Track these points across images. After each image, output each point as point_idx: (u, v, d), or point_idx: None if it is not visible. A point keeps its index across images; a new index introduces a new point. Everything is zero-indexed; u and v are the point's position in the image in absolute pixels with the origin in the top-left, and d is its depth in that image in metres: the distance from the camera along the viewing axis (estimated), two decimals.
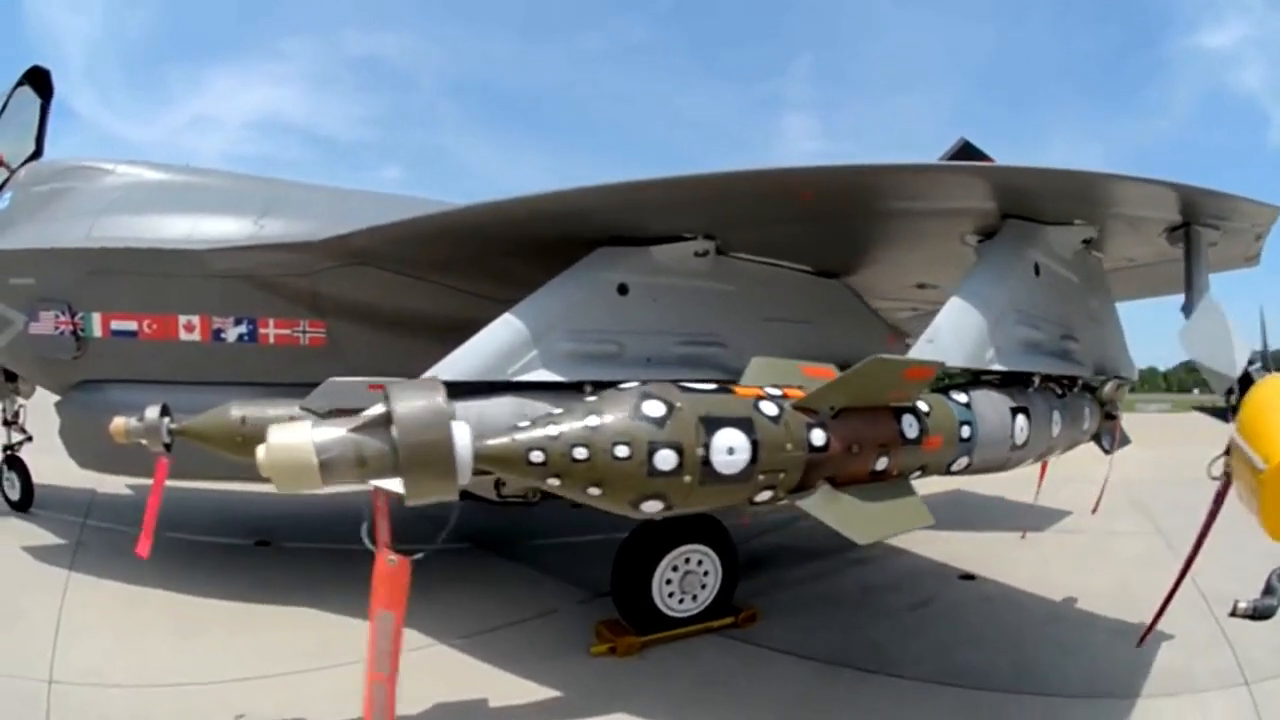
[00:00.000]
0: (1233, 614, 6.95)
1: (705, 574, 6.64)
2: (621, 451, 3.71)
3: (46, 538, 8.82)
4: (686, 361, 5.77)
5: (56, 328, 6.95)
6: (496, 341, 4.93)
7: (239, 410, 4.88)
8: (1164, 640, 6.36)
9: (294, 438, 3.23)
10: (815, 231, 6.01)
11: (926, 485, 4.97)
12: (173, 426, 4.94)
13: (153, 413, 4.98)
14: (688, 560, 6.55)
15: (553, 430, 3.72)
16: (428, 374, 4.41)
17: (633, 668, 5.94)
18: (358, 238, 6.10)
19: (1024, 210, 5.27)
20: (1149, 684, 5.70)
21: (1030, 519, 10.60)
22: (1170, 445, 15.11)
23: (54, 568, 7.73)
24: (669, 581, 6.45)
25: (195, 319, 6.80)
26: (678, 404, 3.89)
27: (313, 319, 7.09)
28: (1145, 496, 13.02)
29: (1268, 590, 7.19)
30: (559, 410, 3.96)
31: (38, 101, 8.19)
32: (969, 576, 8.61)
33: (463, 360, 4.77)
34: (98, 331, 6.94)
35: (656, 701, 5.28)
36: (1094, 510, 9.69)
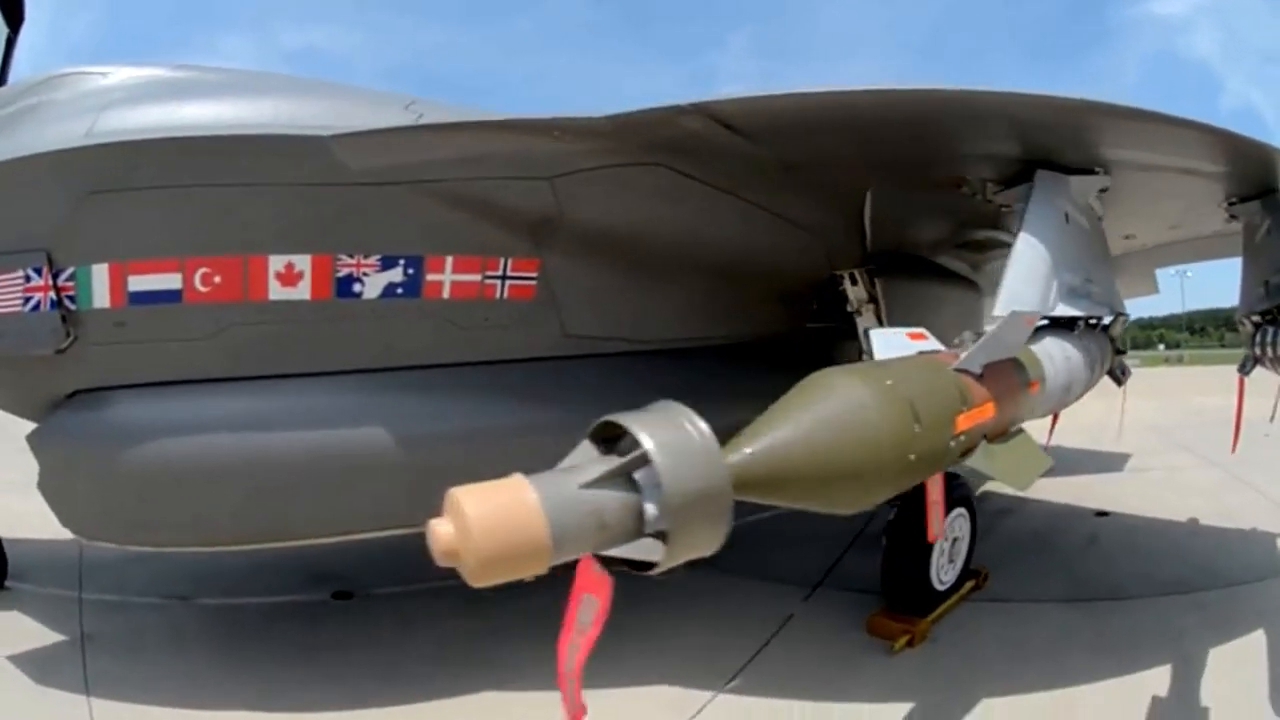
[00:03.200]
0: None
1: (962, 540, 6.44)
2: None
3: (35, 632, 5.99)
4: (1083, 295, 5.39)
5: (24, 299, 4.32)
6: (1038, 278, 4.52)
7: None
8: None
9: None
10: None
11: None
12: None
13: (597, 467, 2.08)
14: (957, 527, 6.31)
15: None
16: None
17: (938, 653, 5.68)
18: (724, 108, 4.32)
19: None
20: None
21: (1093, 463, 12.32)
22: (1164, 397, 17.64)
23: (60, 692, 5.01)
24: (942, 553, 6.15)
25: (302, 260, 4.46)
26: None
27: (521, 256, 5.09)
28: (1179, 438, 15.37)
29: None
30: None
31: (4, 31, 6.32)
32: (1103, 513, 9.63)
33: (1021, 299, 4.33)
34: (103, 298, 4.35)
35: (991, 679, 5.18)
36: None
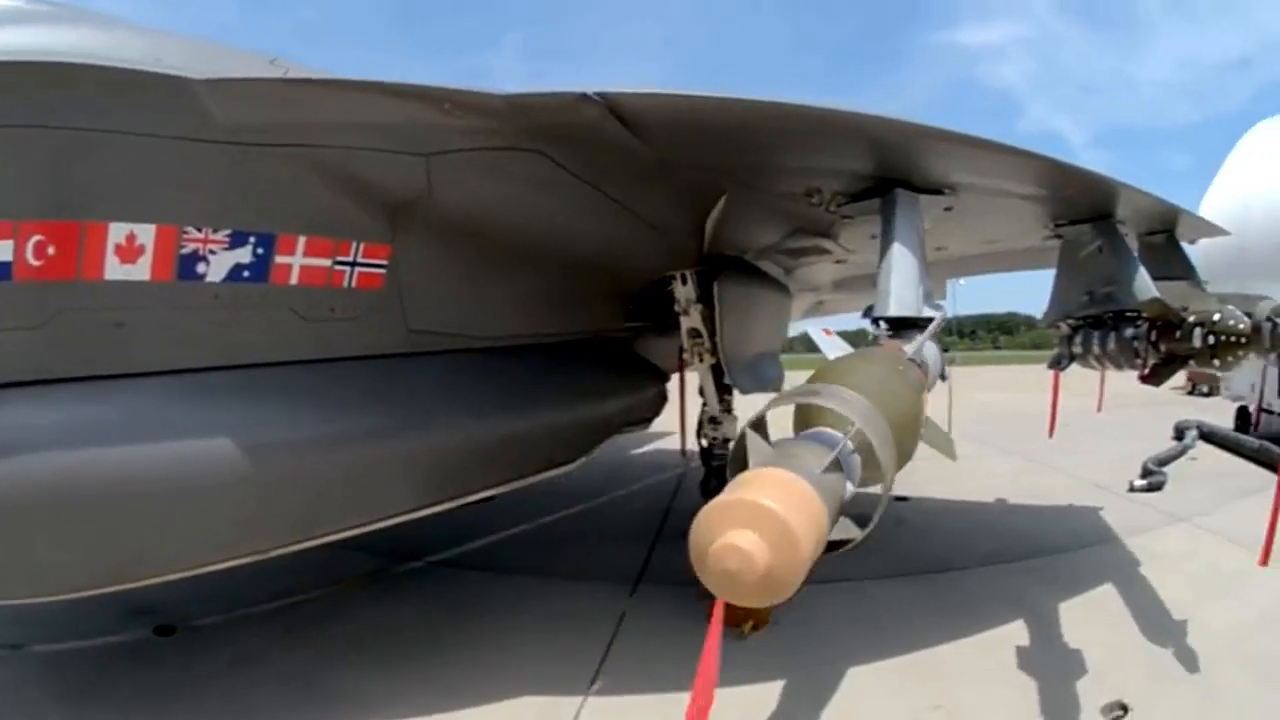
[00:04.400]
0: (1132, 490, 10.64)
1: None
2: None
3: None
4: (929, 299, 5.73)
5: None
6: (914, 283, 4.92)
7: None
8: (1098, 510, 9.81)
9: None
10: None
11: None
12: None
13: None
14: None
15: None
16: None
17: (787, 634, 6.05)
18: (625, 101, 4.15)
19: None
20: (1116, 531, 8.86)
21: None
22: (946, 394, 19.92)
23: None
24: None
25: (146, 231, 3.63)
26: None
27: (374, 241, 4.56)
28: (970, 431, 15.64)
29: (1146, 473, 11.22)
30: None
31: None
32: (903, 498, 10.40)
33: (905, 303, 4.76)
34: None
35: (849, 650, 5.66)
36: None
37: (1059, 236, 7.25)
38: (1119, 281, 6.17)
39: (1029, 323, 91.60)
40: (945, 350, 7.86)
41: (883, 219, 5.41)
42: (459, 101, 4.07)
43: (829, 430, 2.24)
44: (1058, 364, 7.95)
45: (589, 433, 6.79)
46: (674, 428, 9.71)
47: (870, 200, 5.66)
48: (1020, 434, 10.86)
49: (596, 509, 11.10)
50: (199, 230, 3.70)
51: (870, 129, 4.75)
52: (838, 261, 8.94)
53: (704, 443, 7.93)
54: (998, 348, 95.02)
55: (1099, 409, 10.64)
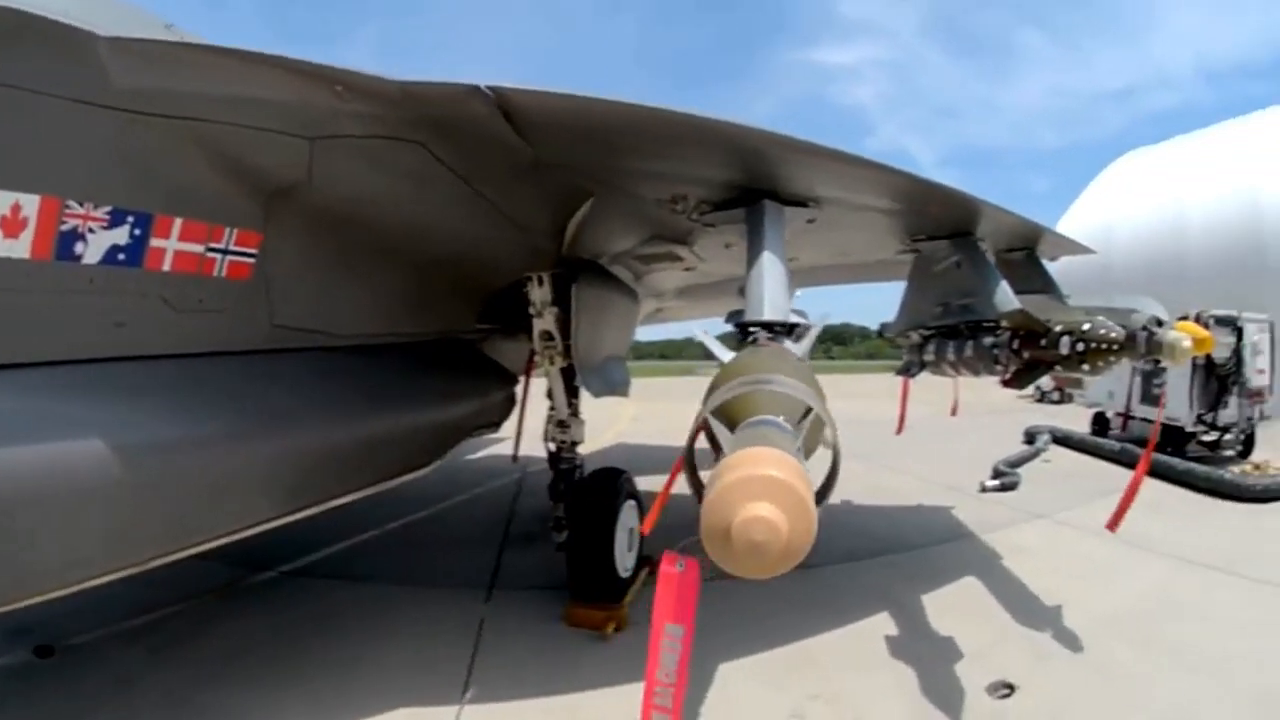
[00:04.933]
0: (984, 490, 11.98)
1: (635, 530, 7.63)
2: None
3: None
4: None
5: None
6: (784, 290, 5.42)
7: None
8: (951, 509, 11.11)
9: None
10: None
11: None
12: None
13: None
14: (630, 518, 7.51)
15: None
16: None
17: (646, 634, 6.75)
18: (516, 98, 4.46)
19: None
20: (972, 528, 10.13)
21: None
22: None
23: None
24: (622, 543, 7.24)
25: (30, 203, 3.48)
26: None
27: (247, 227, 4.58)
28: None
29: (997, 474, 12.65)
30: None
31: None
32: None
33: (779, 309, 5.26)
34: None
35: (720, 646, 6.19)
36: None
37: (915, 251, 8.16)
38: (978, 294, 7.08)
39: (863, 333, 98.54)
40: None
41: (749, 228, 5.97)
42: (352, 84, 4.25)
43: (775, 418, 2.78)
44: (907, 371, 8.92)
45: (444, 435, 7.18)
46: (507, 433, 10.03)
47: (735, 210, 6.24)
48: (867, 438, 12.05)
49: (440, 514, 11.51)
50: (81, 205, 3.62)
51: (746, 140, 5.27)
52: (687, 269, 9.61)
53: (552, 446, 8.31)
54: (831, 358, 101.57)
55: (954, 413, 11.84)
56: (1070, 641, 6.31)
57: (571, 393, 8.13)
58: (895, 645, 6.34)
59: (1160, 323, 5.94)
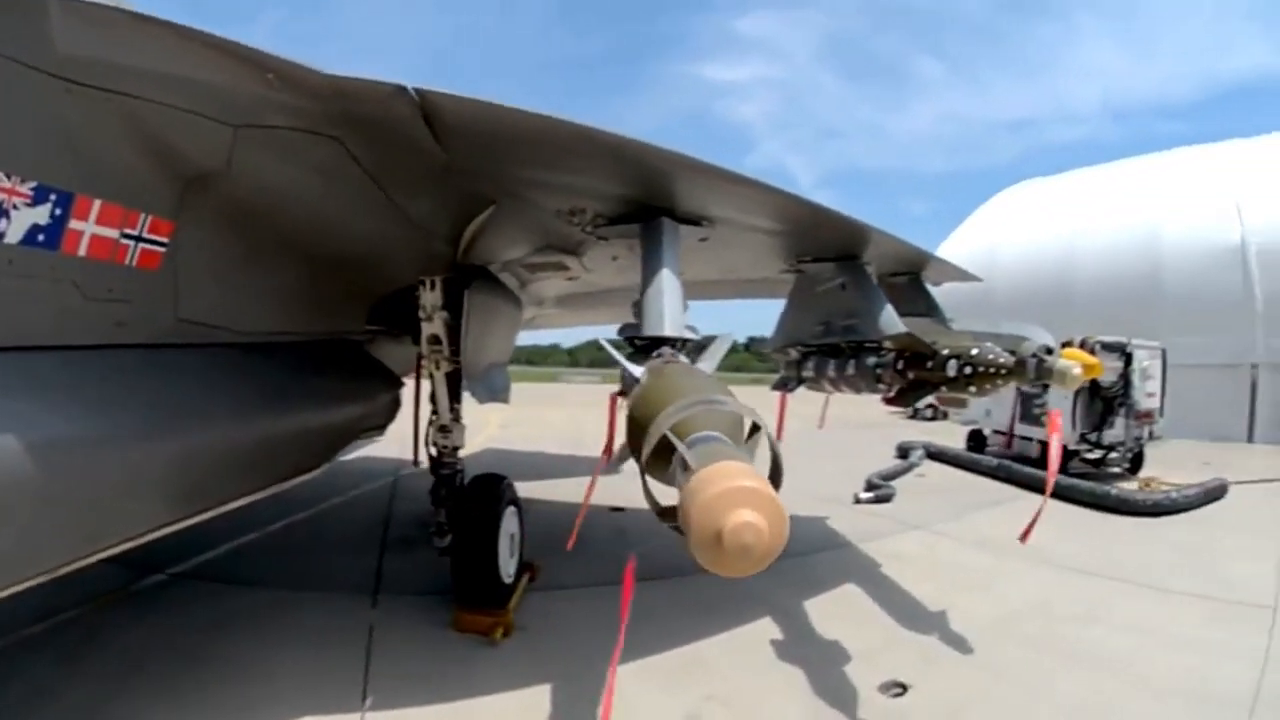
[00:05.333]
0: (858, 501, 13.01)
1: (517, 536, 8.23)
2: None
3: None
4: None
5: None
6: (680, 304, 6.04)
7: None
8: (826, 520, 12.00)
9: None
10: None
11: None
12: None
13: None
14: (512, 524, 8.04)
15: None
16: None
17: (540, 637, 7.16)
18: (439, 101, 4.76)
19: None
20: (849, 537, 11.02)
21: (586, 467, 15.22)
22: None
23: None
24: (505, 549, 7.73)
25: None
26: None
27: (161, 214, 4.66)
28: None
29: (871, 486, 13.68)
30: None
31: None
32: (619, 509, 12.15)
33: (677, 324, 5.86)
34: None
35: (609, 651, 6.79)
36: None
37: (799, 271, 8.82)
38: (862, 316, 7.72)
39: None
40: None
41: (646, 244, 6.46)
42: (284, 73, 4.41)
43: (717, 433, 3.25)
44: (784, 385, 9.63)
45: (335, 437, 7.47)
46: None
47: (630, 225, 6.71)
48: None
49: (318, 516, 11.77)
50: (8, 178, 3.64)
51: (652, 158, 5.69)
52: (570, 279, 10.15)
53: (433, 451, 8.59)
54: None
55: (821, 425, 12.63)
56: (959, 644, 7.06)
57: (454, 397, 8.45)
58: (783, 649, 6.95)
59: (1050, 350, 6.62)
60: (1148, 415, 17.46)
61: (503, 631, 7.01)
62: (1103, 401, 16.80)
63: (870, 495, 13.91)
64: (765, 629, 7.42)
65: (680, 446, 3.14)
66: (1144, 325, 21.31)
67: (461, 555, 7.45)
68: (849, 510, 13.09)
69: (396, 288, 7.96)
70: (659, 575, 8.60)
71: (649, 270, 6.17)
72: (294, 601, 7.86)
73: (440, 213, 6.76)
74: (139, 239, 4.61)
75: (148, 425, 4.70)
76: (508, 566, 7.69)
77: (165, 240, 4.82)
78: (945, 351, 6.75)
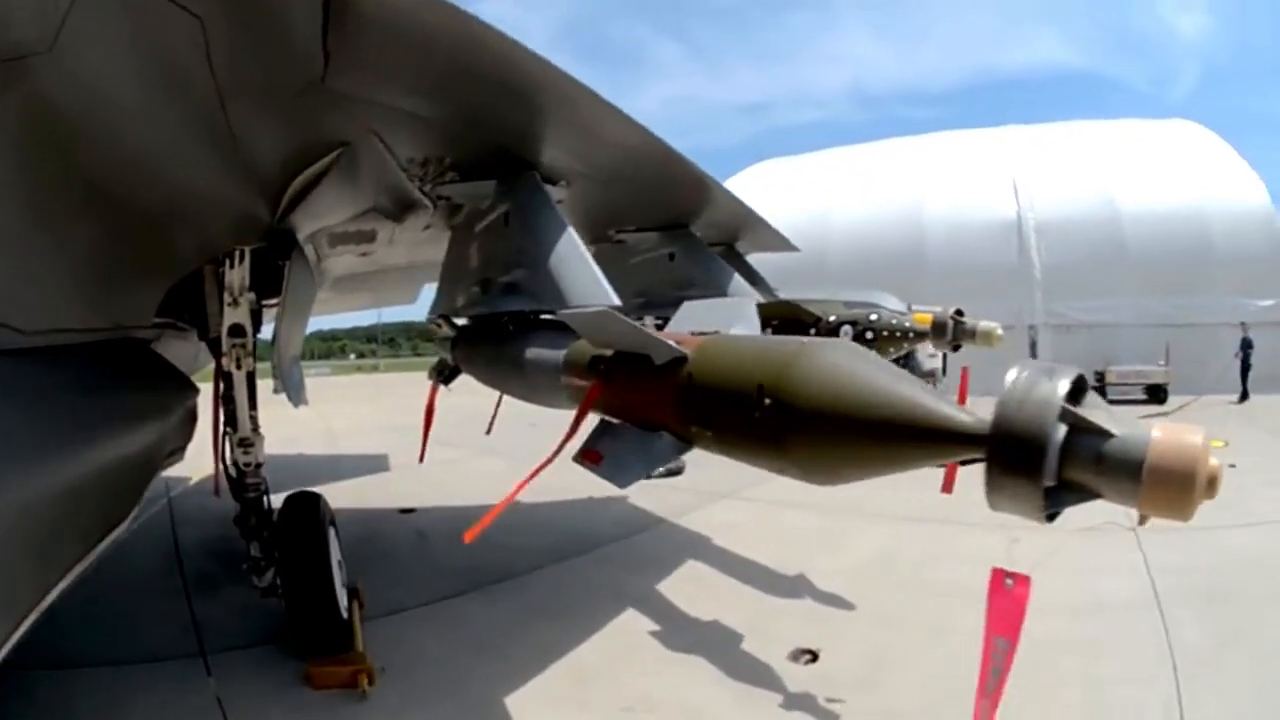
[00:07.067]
0: (648, 477, 12.71)
1: (339, 555, 7.03)
2: None
3: None
4: None
5: None
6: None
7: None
8: (627, 498, 11.73)
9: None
10: None
11: None
12: None
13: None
14: (336, 548, 6.95)
15: None
16: None
17: (410, 676, 6.24)
18: None
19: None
20: (663, 514, 11.07)
21: (350, 467, 15.19)
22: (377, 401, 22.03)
23: None
24: (337, 578, 6.68)
25: None
26: None
27: None
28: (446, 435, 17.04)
29: None
30: None
31: None
32: (409, 510, 12.03)
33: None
34: None
35: (484, 676, 6.18)
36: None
37: (619, 242, 8.28)
38: (701, 286, 7.41)
39: None
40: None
41: (516, 202, 5.66)
42: None
43: None
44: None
45: (139, 474, 5.27)
46: None
47: (483, 181, 5.85)
48: (500, 434, 12.07)
49: (100, 561, 9.37)
50: None
51: (543, 77, 4.79)
52: (364, 254, 8.88)
53: (233, 472, 6.87)
54: (419, 354, 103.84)
55: None
56: (839, 602, 7.10)
57: (253, 403, 6.79)
58: (667, 639, 6.63)
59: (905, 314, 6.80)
60: (930, 375, 18.80)
61: (368, 679, 5.84)
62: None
63: (661, 470, 13.75)
64: (634, 622, 7.03)
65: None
66: (910, 292, 23.27)
67: (297, 599, 6.24)
68: (644, 486, 12.68)
69: (203, 261, 6.12)
70: (489, 582, 8.10)
71: (536, 232, 5.35)
72: (122, 682, 6.13)
73: (276, 152, 5.12)
74: None
75: None
76: (342, 599, 6.53)
77: None
78: (834, 318, 6.60)
